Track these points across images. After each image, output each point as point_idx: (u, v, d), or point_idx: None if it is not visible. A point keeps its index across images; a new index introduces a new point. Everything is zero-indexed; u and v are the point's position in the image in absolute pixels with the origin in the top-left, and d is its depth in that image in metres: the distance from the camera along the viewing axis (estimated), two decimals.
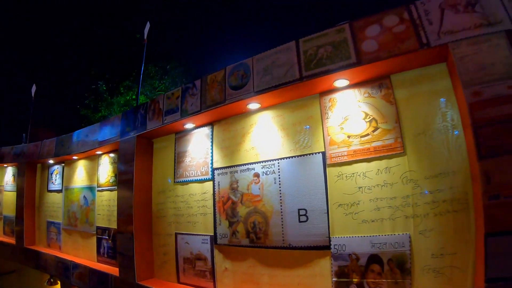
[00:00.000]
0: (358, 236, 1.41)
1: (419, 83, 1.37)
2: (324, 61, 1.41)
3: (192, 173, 2.11)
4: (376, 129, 1.39)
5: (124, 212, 2.31)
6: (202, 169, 2.05)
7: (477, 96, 1.11)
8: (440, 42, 1.21)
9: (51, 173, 3.80)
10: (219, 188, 1.92)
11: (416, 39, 1.25)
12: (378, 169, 1.38)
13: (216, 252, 1.93)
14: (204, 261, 1.97)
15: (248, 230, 1.75)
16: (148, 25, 3.21)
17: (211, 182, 1.98)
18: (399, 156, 1.34)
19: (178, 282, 2.16)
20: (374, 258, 1.37)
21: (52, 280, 3.39)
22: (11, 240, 3.99)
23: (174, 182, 2.24)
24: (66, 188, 3.51)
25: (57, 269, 3.15)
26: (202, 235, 2.00)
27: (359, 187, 1.42)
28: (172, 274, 2.20)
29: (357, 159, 1.43)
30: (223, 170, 1.92)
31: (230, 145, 1.95)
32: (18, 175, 3.92)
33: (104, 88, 13.02)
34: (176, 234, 2.18)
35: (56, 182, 3.71)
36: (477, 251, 1.11)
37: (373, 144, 1.39)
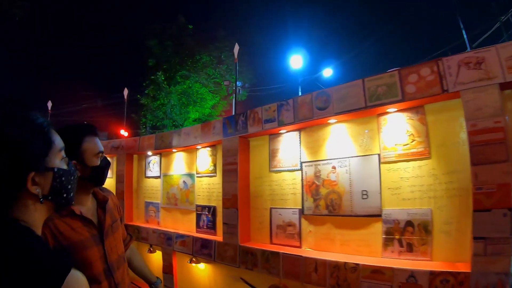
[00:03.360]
0: (399, 209, 2.75)
1: (442, 111, 2.61)
2: (380, 96, 2.72)
3: (284, 164, 3.59)
4: (413, 141, 2.72)
5: (229, 193, 3.85)
6: (293, 162, 3.50)
7: (474, 127, 2.25)
8: (455, 90, 2.36)
9: (149, 162, 5.55)
10: (306, 175, 3.37)
11: (440, 86, 2.43)
12: (413, 167, 2.71)
13: (303, 220, 3.39)
14: (293, 226, 3.45)
15: (327, 204, 3.18)
16: (237, 46, 4.62)
17: (300, 171, 3.44)
18: (427, 159, 2.66)
19: (271, 243, 3.66)
20: (409, 223, 2.70)
21: (151, 249, 5.03)
22: None
23: (269, 171, 3.73)
24: (164, 175, 5.22)
25: (159, 240, 4.84)
26: (292, 208, 3.48)
27: (401, 177, 2.76)
28: (266, 237, 3.72)
29: (400, 159, 2.77)
30: (309, 163, 3.36)
31: (314, 146, 3.37)
32: (118, 164, 5.73)
33: (162, 78, 16.26)
34: (271, 208, 3.67)
35: (153, 170, 5.45)
36: (472, 221, 2.27)
37: (411, 151, 2.72)
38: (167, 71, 17.54)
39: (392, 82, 2.66)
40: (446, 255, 2.55)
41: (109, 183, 6.07)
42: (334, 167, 3.20)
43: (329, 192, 3.20)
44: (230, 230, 3.82)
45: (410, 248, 2.67)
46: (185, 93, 16.95)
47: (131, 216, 5.67)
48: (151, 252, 5.08)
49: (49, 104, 7.20)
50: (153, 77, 17.00)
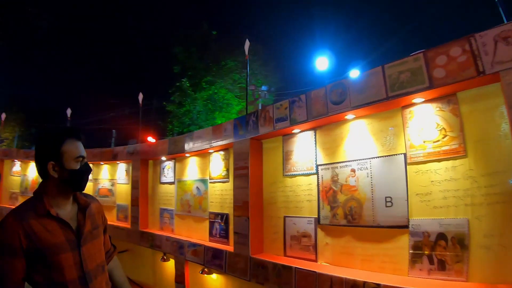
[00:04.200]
0: (430, 219, 2.34)
1: (479, 100, 2.20)
2: (404, 84, 2.34)
3: (299, 168, 3.25)
4: (445, 136, 2.31)
5: (240, 199, 3.56)
6: (308, 165, 3.16)
7: None
8: (493, 71, 1.97)
9: (163, 168, 5.37)
10: (322, 180, 3.01)
11: (474, 68, 2.03)
12: (446, 168, 2.30)
13: (319, 230, 3.04)
14: (308, 238, 3.09)
15: (346, 213, 2.81)
16: (247, 42, 4.39)
17: (315, 175, 3.09)
18: (462, 158, 2.24)
19: (285, 255, 3.34)
20: (441, 236, 2.29)
21: (165, 257, 4.85)
22: (125, 225, 5.79)
23: (283, 175, 3.40)
24: (178, 181, 5.01)
25: (172, 248, 4.64)
26: (307, 217, 3.13)
27: (431, 181, 2.36)
28: (279, 249, 3.38)
29: (430, 159, 2.37)
30: (326, 166, 3.00)
31: (331, 147, 3.02)
32: (133, 170, 5.60)
33: (188, 84, 16.80)
34: (284, 217, 3.34)
35: (168, 175, 5.25)
36: None
37: (442, 148, 2.31)
38: (192, 78, 17.88)
39: (417, 66, 2.28)
40: (485, 275, 2.11)
41: (125, 189, 5.95)
42: (353, 170, 2.82)
43: (348, 199, 2.83)
44: (241, 240, 3.51)
45: (442, 266, 2.26)
46: (211, 98, 17.29)
47: (146, 223, 5.53)
48: (164, 260, 4.90)
49: (68, 111, 7.47)
50: (178, 83, 17.51)
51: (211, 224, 4.35)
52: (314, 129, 3.20)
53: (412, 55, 2.31)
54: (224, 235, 4.13)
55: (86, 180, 1.82)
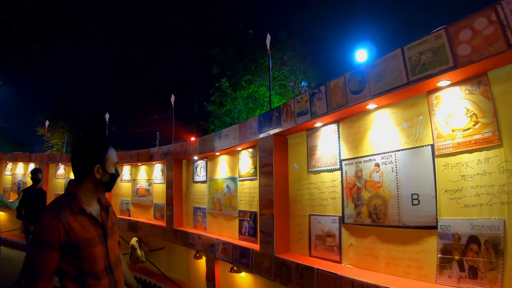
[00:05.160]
0: (460, 219, 2.11)
1: None
2: (426, 66, 2.13)
3: (323, 163, 3.13)
4: (476, 123, 2.07)
5: (265, 197, 3.49)
6: (332, 160, 3.02)
7: None
8: None
9: (196, 167, 5.45)
10: (346, 176, 2.86)
11: (504, 40, 1.77)
12: (478, 160, 2.06)
13: (343, 230, 2.89)
14: (333, 237, 2.95)
15: (370, 212, 2.63)
16: (268, 37, 4.30)
17: (339, 171, 2.96)
18: (496, 148, 1.99)
19: (310, 255, 3.22)
20: (473, 239, 2.04)
21: (197, 255, 4.93)
22: (161, 223, 5.98)
23: (308, 171, 3.29)
24: (210, 179, 5.05)
25: (203, 246, 4.71)
26: (332, 215, 3.00)
27: (462, 176, 2.12)
28: (305, 249, 3.27)
29: (461, 150, 2.13)
30: (349, 161, 2.85)
31: (354, 140, 2.85)
32: (167, 170, 5.75)
33: (227, 84, 17.29)
34: (310, 215, 3.22)
35: (200, 174, 5.31)
36: None
37: (474, 137, 2.08)
38: (231, 77, 18.30)
39: (438, 45, 2.06)
40: None
41: (161, 188, 6.10)
42: (377, 165, 2.65)
43: (372, 197, 2.66)
44: (267, 239, 3.45)
45: (473, 274, 2.01)
46: (251, 97, 17.56)
47: (181, 221, 5.68)
48: (197, 258, 5.00)
49: (107, 116, 7.90)
50: (217, 84, 17.83)
51: (241, 223, 4.35)
52: (337, 122, 3.05)
53: (433, 32, 2.09)
54: (252, 234, 4.09)
55: (115, 182, 2.05)
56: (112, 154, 1.94)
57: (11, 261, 7.22)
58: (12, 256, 7.67)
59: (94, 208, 1.92)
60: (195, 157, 5.35)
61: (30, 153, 10.13)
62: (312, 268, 2.79)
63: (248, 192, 4.25)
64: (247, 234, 4.19)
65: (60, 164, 8.84)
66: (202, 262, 4.93)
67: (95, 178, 1.85)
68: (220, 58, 19.16)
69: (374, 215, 2.63)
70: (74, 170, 1.88)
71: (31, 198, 6.04)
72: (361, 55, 14.85)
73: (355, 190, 2.80)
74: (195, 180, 5.54)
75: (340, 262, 2.91)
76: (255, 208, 4.06)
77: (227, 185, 4.67)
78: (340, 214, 2.93)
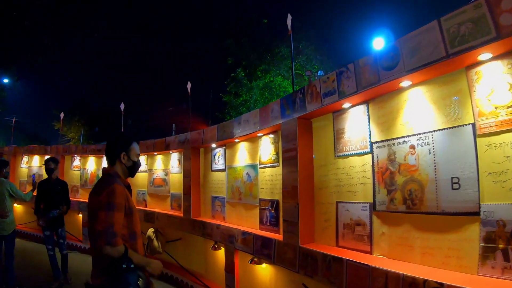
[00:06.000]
0: (505, 204, 1.96)
1: None
2: (466, 37, 1.98)
3: (351, 147, 3.02)
4: None
5: (289, 185, 3.41)
6: (361, 143, 2.92)
7: None
8: None
9: (214, 155, 5.40)
10: (377, 160, 2.74)
11: None
12: None
13: (374, 218, 2.79)
14: (363, 226, 2.84)
15: (405, 197, 2.52)
16: (289, 17, 4.19)
17: (370, 155, 2.85)
18: None
19: (337, 245, 3.13)
20: None
21: (216, 245, 4.92)
22: (178, 213, 5.99)
23: (335, 156, 3.19)
24: (229, 167, 5.00)
25: (222, 236, 4.67)
26: (362, 202, 2.90)
27: (507, 157, 1.98)
28: (331, 238, 3.18)
29: (505, 129, 1.98)
30: (381, 144, 2.73)
31: (386, 121, 2.73)
32: (184, 159, 5.72)
33: (243, 74, 17.71)
34: (337, 202, 3.13)
35: (219, 162, 5.26)
36: None
37: None
38: (246, 67, 18.43)
39: (479, 15, 1.91)
40: None
41: (178, 178, 6.09)
42: (412, 147, 2.52)
43: (407, 181, 2.54)
44: (290, 228, 3.36)
45: None
46: (267, 87, 17.62)
47: (198, 211, 5.65)
48: (215, 249, 4.98)
49: (122, 106, 7.98)
50: (233, 74, 18.17)
51: (262, 212, 4.28)
52: (366, 102, 2.93)
53: (472, 2, 1.95)
54: (274, 223, 4.01)
55: (137, 170, 2.67)
56: (135, 146, 2.56)
57: (26, 253, 7.40)
58: (28, 248, 7.88)
59: None
60: (213, 145, 5.29)
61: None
62: (341, 259, 2.70)
63: (269, 179, 4.17)
64: (268, 224, 4.12)
65: (75, 155, 8.95)
66: (220, 253, 4.90)
67: (122, 163, 2.48)
68: (235, 49, 19.23)
69: (409, 201, 2.51)
70: (107, 156, 2.51)
71: (45, 190, 5.70)
72: (379, 43, 14.58)
73: (387, 174, 2.68)
74: (213, 168, 5.49)
75: (370, 252, 2.80)
76: (277, 196, 3.98)
77: (247, 173, 4.61)
78: (371, 201, 2.81)
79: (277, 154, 4.03)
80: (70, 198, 6.00)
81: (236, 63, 19.06)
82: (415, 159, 2.50)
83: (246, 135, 4.35)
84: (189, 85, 6.04)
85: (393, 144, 2.67)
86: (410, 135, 2.55)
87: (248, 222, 4.55)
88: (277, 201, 3.96)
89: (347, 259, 2.64)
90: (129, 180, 2.72)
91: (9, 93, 23.78)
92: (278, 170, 3.98)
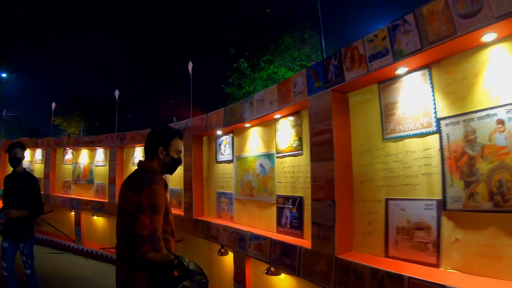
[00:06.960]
0: None
1: None
2: None
3: (408, 126, 2.38)
4: None
5: (321, 177, 2.78)
6: (423, 120, 2.27)
7: None
8: None
9: (219, 144, 4.81)
10: (448, 141, 2.11)
11: None
12: None
13: (444, 219, 2.16)
14: (426, 230, 2.22)
15: (491, 191, 1.91)
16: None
17: (437, 134, 2.21)
18: None
19: (386, 255, 2.50)
20: None
21: (222, 250, 4.33)
22: (178, 212, 5.40)
23: (383, 139, 2.53)
24: (237, 158, 4.39)
25: (230, 240, 4.07)
26: (425, 199, 2.27)
27: None
28: (378, 246, 2.55)
29: None
30: (453, 120, 2.10)
31: (458, 89, 2.11)
32: (185, 149, 5.15)
33: (246, 65, 17.76)
34: (386, 199, 2.48)
35: (225, 152, 4.67)
36: None
37: None
38: (249, 58, 18.29)
39: None
40: None
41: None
42: (500, 121, 1.90)
43: (494, 169, 1.92)
44: (323, 233, 2.73)
45: None
46: (271, 78, 17.29)
47: (201, 209, 5.05)
48: (221, 254, 4.36)
49: (116, 93, 7.60)
50: (236, 65, 17.90)
51: (280, 211, 3.65)
52: (427, 66, 2.29)
53: None
54: (297, 226, 3.38)
55: (177, 168, 2.50)
56: (177, 143, 2.41)
57: None
58: None
59: None
60: (219, 132, 4.69)
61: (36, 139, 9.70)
62: (400, 277, 2.04)
63: (289, 171, 3.54)
64: (288, 226, 3.49)
65: (67, 148, 8.37)
66: (228, 259, 4.30)
67: (159, 158, 2.34)
68: (238, 39, 19.10)
69: (497, 195, 1.88)
70: (146, 150, 2.41)
71: (6, 186, 4.16)
72: None
73: (464, 160, 2.03)
74: (218, 159, 4.90)
75: (437, 265, 2.16)
76: (301, 192, 3.36)
77: (261, 164, 3.98)
78: (439, 197, 2.18)
79: (300, 140, 3.39)
80: (62, 195, 5.22)
81: (238, 53, 18.84)
82: (505, 138, 1.88)
83: (259, 117, 3.72)
84: (190, 65, 5.44)
85: (472, 120, 2.02)
86: (496, 107, 1.93)
87: (262, 223, 3.94)
88: (301, 198, 3.34)
89: (410, 277, 1.99)
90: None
91: (10, 89, 23.53)
92: (302, 159, 3.35)
